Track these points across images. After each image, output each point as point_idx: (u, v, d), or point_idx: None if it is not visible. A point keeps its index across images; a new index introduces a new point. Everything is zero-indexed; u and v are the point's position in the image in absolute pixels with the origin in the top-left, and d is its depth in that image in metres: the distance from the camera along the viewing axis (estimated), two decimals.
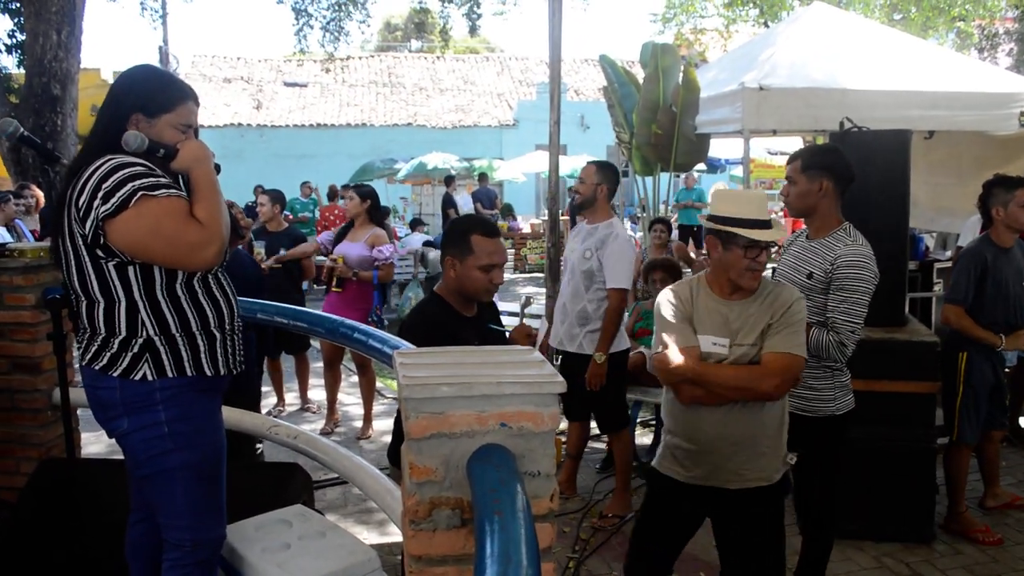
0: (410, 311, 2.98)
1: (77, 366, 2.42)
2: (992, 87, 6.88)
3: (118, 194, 2.15)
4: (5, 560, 3.10)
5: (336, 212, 13.71)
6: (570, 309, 4.56)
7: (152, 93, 2.35)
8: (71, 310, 2.39)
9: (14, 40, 10.71)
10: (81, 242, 2.24)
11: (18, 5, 9.67)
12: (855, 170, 3.26)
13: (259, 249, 6.56)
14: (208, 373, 2.37)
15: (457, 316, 2.87)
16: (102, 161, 2.20)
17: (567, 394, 4.37)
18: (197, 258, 2.25)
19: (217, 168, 2.39)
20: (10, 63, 11.02)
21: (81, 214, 2.19)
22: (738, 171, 16.54)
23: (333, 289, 6.05)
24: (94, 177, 2.18)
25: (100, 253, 2.22)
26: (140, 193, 2.16)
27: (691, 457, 2.80)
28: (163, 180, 2.23)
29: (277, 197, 6.89)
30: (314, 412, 6.93)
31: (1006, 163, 6.88)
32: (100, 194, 2.15)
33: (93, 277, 2.27)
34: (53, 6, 7.96)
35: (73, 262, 2.28)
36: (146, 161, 2.25)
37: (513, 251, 16.79)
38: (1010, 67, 18.30)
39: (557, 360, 4.70)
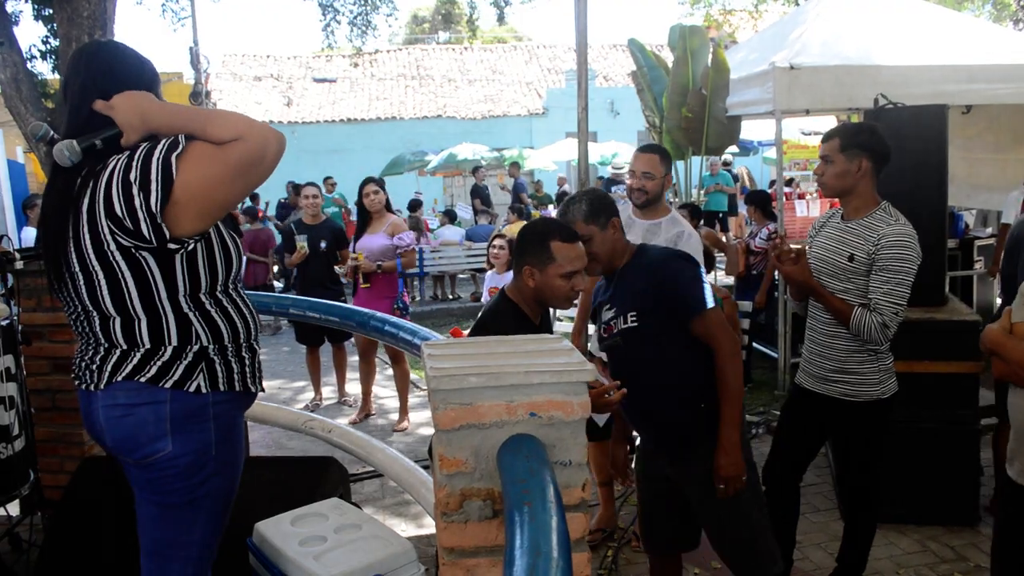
0: (484, 313, 2.88)
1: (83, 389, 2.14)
2: None
3: (152, 178, 1.89)
4: (51, 558, 3.16)
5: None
6: None
7: (142, 69, 2.15)
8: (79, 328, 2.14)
9: (48, 46, 10.85)
10: (120, 255, 1.98)
11: (51, 12, 9.80)
12: (891, 148, 3.19)
13: (302, 243, 6.64)
14: (253, 390, 2.22)
15: (526, 322, 2.74)
16: (113, 164, 1.96)
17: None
18: (267, 164, 1.96)
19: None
20: (45, 68, 11.17)
21: (123, 223, 1.92)
22: (771, 153, 16.35)
23: (361, 286, 6.15)
24: (115, 179, 1.93)
25: (174, 246, 1.97)
26: (172, 159, 1.90)
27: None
28: (176, 137, 1.95)
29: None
30: (351, 405, 6.98)
31: None
32: (134, 190, 1.90)
33: (134, 292, 2.01)
34: (85, 11, 8.04)
35: (104, 279, 2.02)
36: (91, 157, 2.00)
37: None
38: None
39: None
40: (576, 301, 3.32)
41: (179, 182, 1.90)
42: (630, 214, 3.98)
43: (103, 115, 2.03)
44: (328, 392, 7.24)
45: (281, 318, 10.60)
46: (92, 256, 2.01)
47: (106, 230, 1.96)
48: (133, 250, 1.98)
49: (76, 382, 2.17)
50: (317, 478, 3.25)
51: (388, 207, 6.37)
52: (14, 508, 3.79)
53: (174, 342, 2.06)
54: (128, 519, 2.19)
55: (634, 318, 2.74)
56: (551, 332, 2.97)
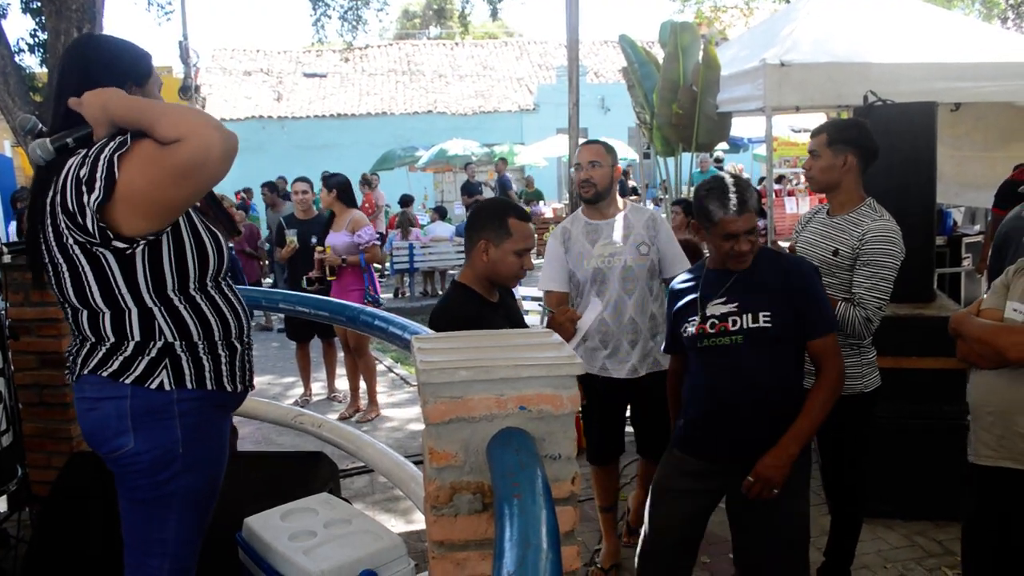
0: (437, 305, 2.92)
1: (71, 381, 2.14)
2: (1019, 56, 6.73)
3: (98, 178, 1.86)
4: (38, 554, 3.15)
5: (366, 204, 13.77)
6: (639, 324, 3.66)
7: (133, 56, 2.13)
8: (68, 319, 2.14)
9: (36, 39, 10.81)
10: (77, 247, 1.97)
11: (39, 4, 9.75)
12: (880, 145, 3.20)
13: (291, 237, 6.68)
14: (228, 389, 2.17)
15: (485, 303, 2.81)
16: (73, 160, 1.94)
17: (609, 427, 3.93)
18: (211, 168, 1.87)
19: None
20: (33, 62, 11.14)
21: (75, 219, 1.91)
22: (761, 150, 16.38)
23: (328, 278, 6.29)
24: (71, 175, 1.91)
25: (121, 245, 1.94)
26: (115, 158, 1.86)
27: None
28: (126, 136, 1.90)
29: (311, 184, 7.03)
30: (340, 401, 6.98)
31: None
32: (83, 185, 1.87)
33: (94, 286, 2.01)
34: (74, 4, 8.00)
35: (67, 271, 2.02)
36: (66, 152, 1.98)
37: (536, 236, 16.72)
38: None
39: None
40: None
41: (121, 181, 1.86)
42: (586, 220, 3.76)
43: (78, 112, 2.01)
44: (318, 388, 7.24)
45: (272, 316, 10.61)
46: (56, 250, 2.01)
47: (62, 225, 1.95)
48: (88, 245, 1.96)
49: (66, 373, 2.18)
50: (307, 473, 3.25)
51: (348, 204, 6.44)
52: (1, 504, 3.78)
53: (136, 337, 2.03)
54: (116, 514, 2.18)
55: (767, 318, 2.61)
56: (513, 311, 3.03)
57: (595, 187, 3.66)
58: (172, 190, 1.89)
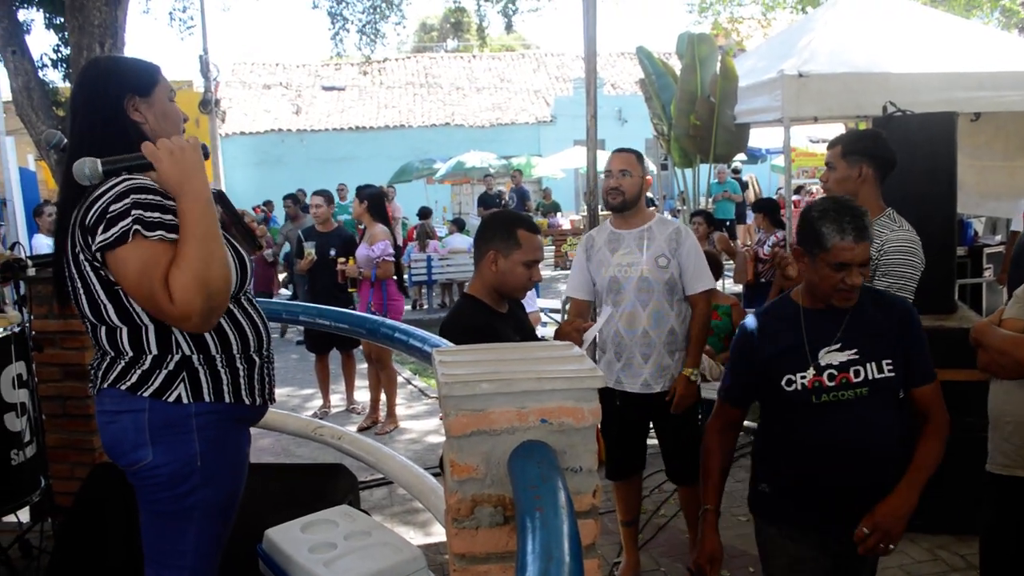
0: (446, 316, 2.94)
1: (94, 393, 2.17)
2: None
3: (121, 224, 1.88)
4: (60, 565, 3.17)
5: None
6: (654, 338, 3.63)
7: (136, 71, 2.13)
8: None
9: (59, 55, 10.92)
10: (88, 268, 1.99)
11: (62, 20, 9.86)
12: (900, 155, 3.19)
13: (310, 249, 6.73)
14: (247, 402, 2.16)
15: (494, 314, 2.83)
16: (120, 180, 1.94)
17: (629, 443, 3.89)
18: (175, 325, 1.98)
19: (205, 152, 2.04)
20: (56, 77, 11.25)
21: (87, 239, 1.93)
22: (779, 160, 16.33)
23: (349, 289, 6.43)
24: (105, 198, 1.91)
25: (111, 278, 1.97)
26: (135, 228, 1.88)
27: None
28: (167, 217, 1.93)
29: (329, 198, 7.06)
30: (359, 413, 7.00)
31: None
32: (106, 219, 1.89)
33: (108, 303, 2.01)
34: (96, 20, 8.10)
35: (81, 288, 2.03)
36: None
37: (553, 248, 16.77)
38: None
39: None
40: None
41: (127, 250, 1.89)
42: (612, 229, 3.76)
43: (120, 121, 2.04)
44: (336, 400, 7.26)
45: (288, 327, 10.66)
46: (72, 266, 2.03)
47: (79, 242, 1.97)
48: (100, 269, 1.98)
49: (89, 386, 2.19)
50: (326, 485, 3.26)
51: (377, 215, 6.53)
52: (24, 515, 3.81)
53: (154, 351, 2.03)
54: (137, 526, 2.19)
55: (890, 366, 2.35)
56: (523, 323, 3.02)
57: (623, 195, 3.66)
58: (139, 299, 1.96)
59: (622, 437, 3.81)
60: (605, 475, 3.86)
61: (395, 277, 6.45)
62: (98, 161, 1.91)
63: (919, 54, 6.61)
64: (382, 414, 6.66)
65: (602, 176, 3.82)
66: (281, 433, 4.78)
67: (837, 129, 10.56)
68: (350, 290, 6.39)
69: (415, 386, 8.05)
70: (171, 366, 2.04)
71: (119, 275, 1.93)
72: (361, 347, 6.71)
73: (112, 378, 2.06)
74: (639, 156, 3.76)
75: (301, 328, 10.78)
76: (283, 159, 23.72)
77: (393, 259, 6.40)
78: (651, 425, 3.90)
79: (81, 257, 1.99)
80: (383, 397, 6.65)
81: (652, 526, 4.35)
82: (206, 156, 2.06)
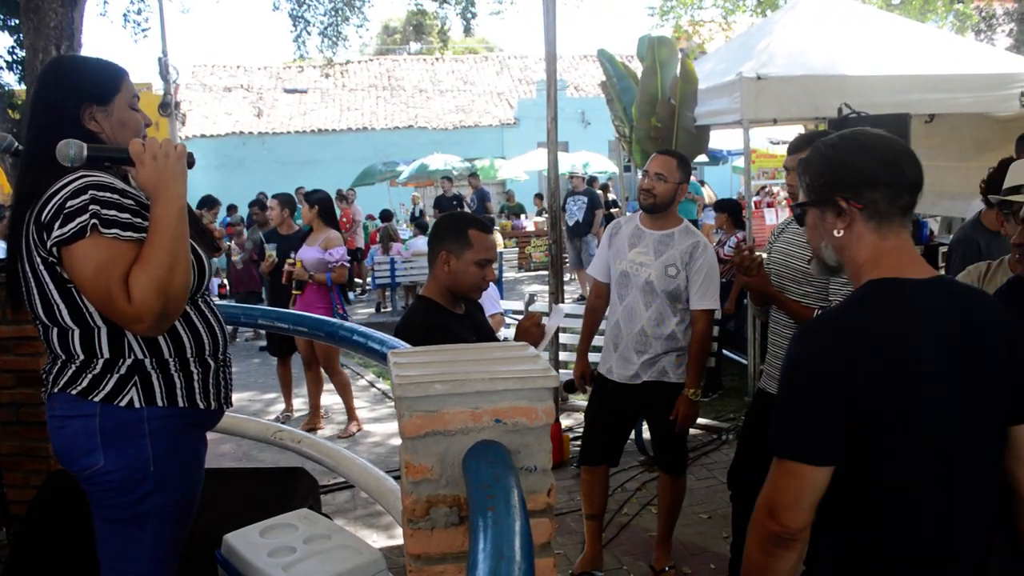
0: (402, 318, 2.95)
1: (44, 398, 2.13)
2: (991, 68, 6.84)
3: (79, 219, 1.86)
4: (17, 574, 3.11)
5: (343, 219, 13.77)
6: (651, 335, 3.68)
7: (97, 78, 2.08)
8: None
9: (14, 56, 10.77)
10: (43, 266, 1.96)
11: (17, 22, 9.72)
12: None
13: (271, 251, 6.70)
14: (201, 406, 2.13)
15: (450, 315, 2.85)
16: (76, 177, 1.92)
17: (611, 431, 4.06)
18: (126, 326, 1.95)
19: (190, 161, 2.06)
20: (11, 79, 11.09)
21: (43, 235, 1.91)
22: (740, 162, 16.49)
23: (293, 292, 6.28)
24: (62, 193, 1.89)
25: (66, 276, 1.95)
26: (92, 223, 1.86)
27: None
28: (123, 216, 1.92)
29: (286, 201, 7.06)
30: (323, 416, 6.95)
31: (1007, 144, 6.83)
32: (63, 214, 1.87)
33: (61, 303, 1.98)
34: (52, 22, 7.99)
35: (35, 288, 2.00)
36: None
37: (517, 249, 16.79)
38: (1009, 48, 18.19)
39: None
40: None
41: (84, 245, 1.87)
42: (638, 224, 3.80)
43: (74, 127, 2.00)
44: (299, 404, 7.20)
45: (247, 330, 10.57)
46: (27, 266, 2.00)
47: (33, 239, 1.95)
48: (54, 266, 1.95)
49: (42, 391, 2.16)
50: (287, 489, 3.24)
51: (328, 222, 6.45)
52: None
53: (106, 355, 2.00)
54: (93, 533, 2.17)
55: None
56: (480, 324, 3.05)
57: (654, 198, 3.69)
58: (93, 299, 1.93)
59: (606, 425, 3.89)
60: (578, 460, 3.91)
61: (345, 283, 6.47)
62: (84, 145, 1.91)
63: (875, 57, 6.73)
64: (327, 419, 6.71)
65: (639, 175, 3.85)
66: (242, 438, 4.75)
67: (796, 130, 10.71)
68: (294, 292, 6.25)
69: (378, 389, 8.02)
70: (123, 370, 2.01)
71: (75, 271, 1.90)
72: (299, 352, 6.59)
73: (63, 382, 2.03)
74: (681, 162, 3.75)
75: (252, 332, 10.76)
76: (245, 162, 23.51)
77: (348, 265, 6.41)
78: (639, 418, 4.02)
79: (36, 256, 1.96)
80: (325, 401, 6.72)
81: (615, 524, 4.37)
82: (191, 165, 2.07)
